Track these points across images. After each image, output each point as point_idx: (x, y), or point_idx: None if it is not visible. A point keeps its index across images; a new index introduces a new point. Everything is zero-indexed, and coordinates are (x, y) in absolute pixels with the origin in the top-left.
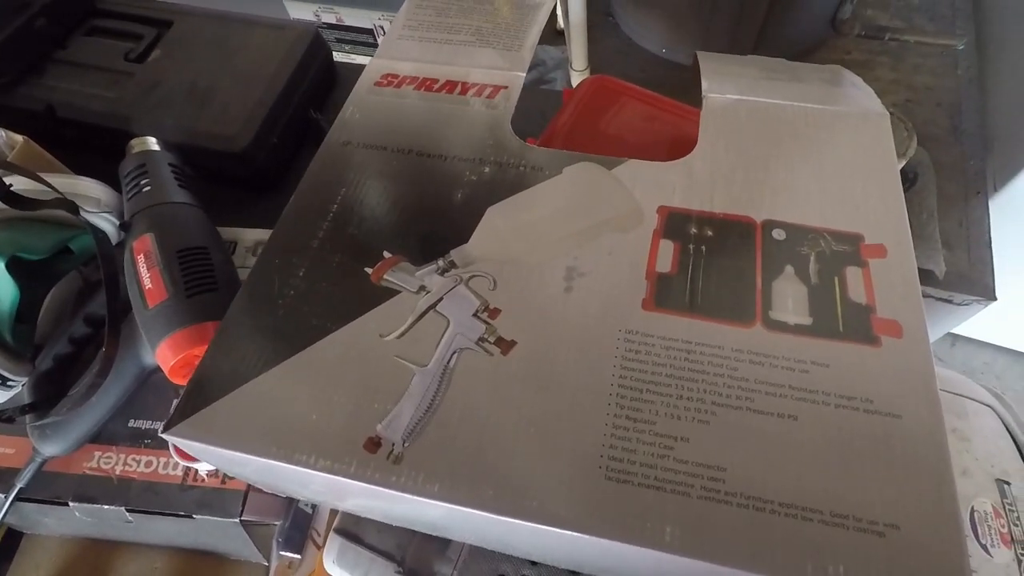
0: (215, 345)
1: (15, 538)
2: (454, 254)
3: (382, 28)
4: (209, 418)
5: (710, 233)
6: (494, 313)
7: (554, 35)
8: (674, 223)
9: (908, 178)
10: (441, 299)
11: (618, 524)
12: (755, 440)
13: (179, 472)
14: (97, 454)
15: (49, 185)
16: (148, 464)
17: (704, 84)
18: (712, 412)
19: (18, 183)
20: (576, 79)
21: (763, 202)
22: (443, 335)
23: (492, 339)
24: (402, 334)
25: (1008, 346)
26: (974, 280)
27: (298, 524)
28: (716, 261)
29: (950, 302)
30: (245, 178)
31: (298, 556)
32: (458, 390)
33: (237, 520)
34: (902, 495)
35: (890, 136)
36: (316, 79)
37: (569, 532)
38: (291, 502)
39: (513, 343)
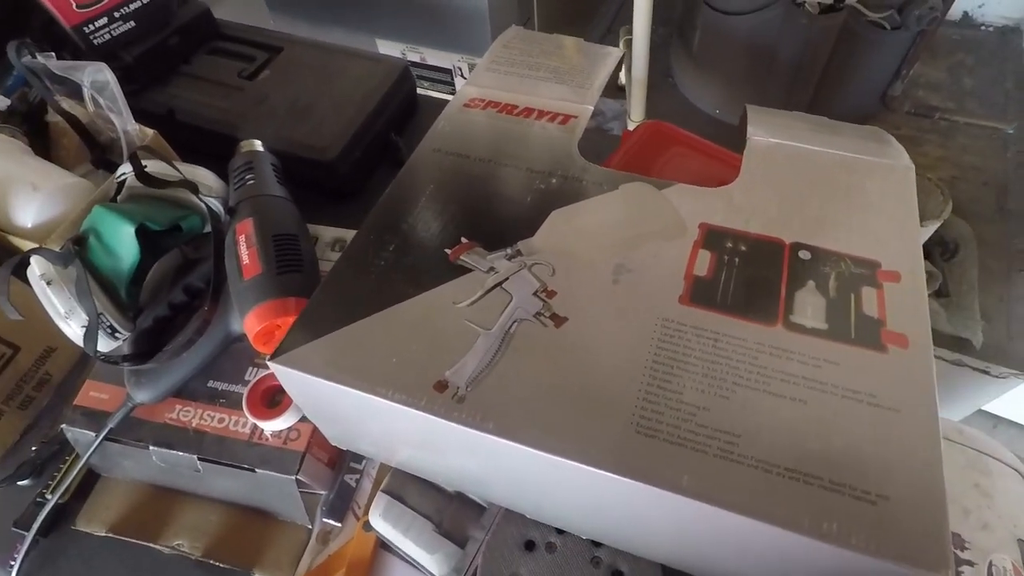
0: (317, 297)
1: (91, 480)
2: (521, 244)
3: (460, 69)
4: (308, 353)
5: (744, 248)
6: (551, 294)
7: (615, 90)
8: (713, 237)
9: (949, 249)
10: (507, 279)
11: (643, 468)
12: (768, 416)
13: (247, 431)
14: (178, 407)
15: (177, 169)
16: (221, 420)
17: (750, 128)
18: (732, 390)
19: (150, 166)
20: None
21: (793, 228)
22: (506, 307)
23: (548, 314)
24: (472, 303)
25: None
26: (1012, 354)
27: (343, 495)
28: (747, 271)
29: (987, 373)
30: (329, 185)
31: (339, 524)
32: (516, 352)
33: (293, 478)
34: (894, 473)
35: (913, 185)
36: (400, 107)
37: (602, 472)
38: (338, 475)
39: (565, 319)
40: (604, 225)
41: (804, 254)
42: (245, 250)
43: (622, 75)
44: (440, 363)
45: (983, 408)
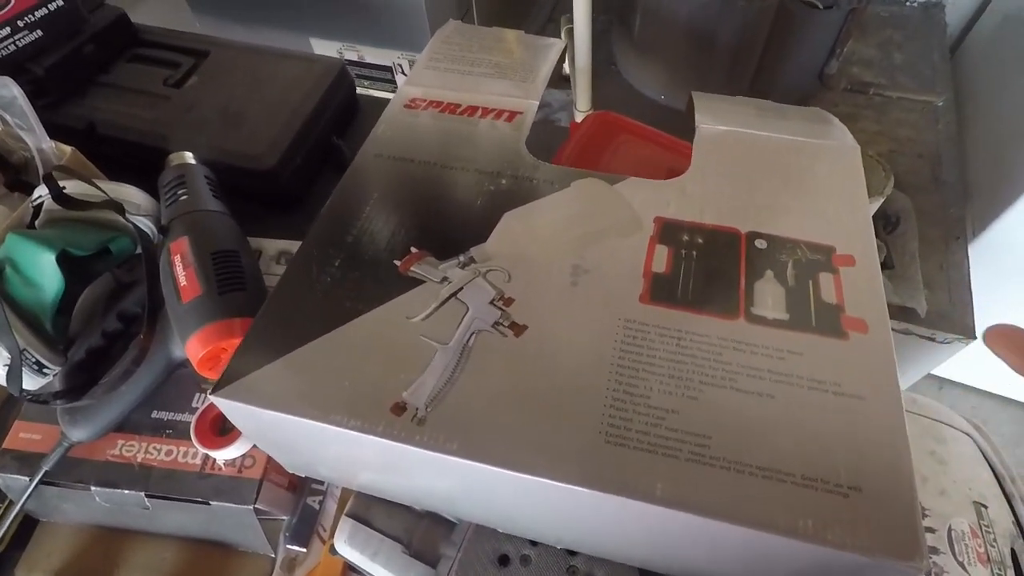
0: (259, 320)
1: (30, 526)
2: (474, 251)
3: (400, 67)
4: (252, 383)
5: (700, 241)
6: (508, 301)
7: (560, 80)
8: (668, 231)
9: (891, 222)
10: (462, 288)
11: (616, 480)
12: (737, 414)
13: (198, 461)
14: (120, 442)
15: (100, 188)
16: (168, 453)
17: (697, 117)
18: (700, 390)
19: (69, 187)
20: (580, 119)
21: (748, 217)
22: (463, 318)
23: (506, 323)
24: (426, 317)
25: (993, 391)
26: (955, 319)
27: (305, 519)
28: (705, 264)
29: (932, 340)
30: (270, 195)
31: (303, 550)
32: (475, 365)
33: (251, 507)
34: (864, 463)
35: (860, 165)
36: (340, 109)
37: (573, 487)
38: (300, 498)
39: (525, 327)
40: (558, 225)
41: (760, 243)
42: (182, 271)
43: (566, 65)
44: (396, 384)
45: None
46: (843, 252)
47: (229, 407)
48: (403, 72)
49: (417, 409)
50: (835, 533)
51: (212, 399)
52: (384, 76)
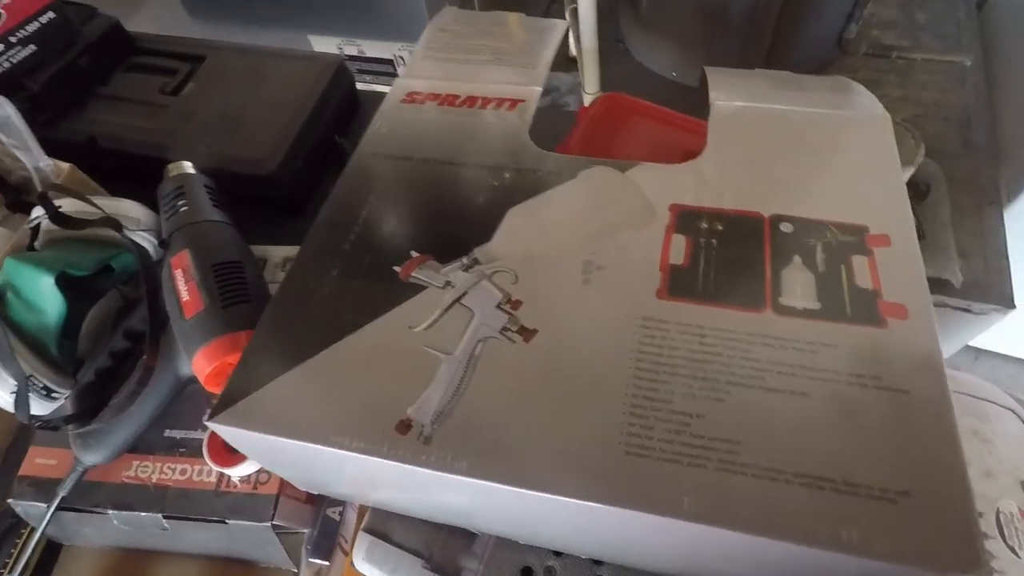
0: (255, 339)
1: (54, 550)
2: (477, 252)
3: (401, 59)
4: (250, 407)
5: (720, 228)
6: (516, 305)
7: (567, 62)
8: (685, 220)
9: (920, 190)
10: (466, 293)
11: (638, 495)
12: (768, 416)
13: (213, 479)
14: (135, 463)
15: (96, 206)
16: (183, 472)
17: (712, 93)
18: (726, 391)
19: (65, 205)
20: (589, 101)
21: (771, 199)
22: (468, 326)
23: (515, 328)
24: (429, 326)
25: None
26: (992, 288)
27: (326, 531)
28: (727, 253)
29: (968, 311)
30: (273, 199)
31: (327, 563)
32: (483, 376)
33: (268, 524)
34: (912, 464)
35: (892, 136)
36: (340, 106)
37: (592, 504)
38: (319, 510)
39: (535, 331)
40: (567, 219)
41: (786, 226)
42: (183, 285)
43: (573, 46)
44: (401, 400)
45: None
46: (877, 232)
47: (229, 433)
48: (405, 64)
49: (423, 426)
50: (883, 544)
51: (209, 425)
52: (386, 70)
